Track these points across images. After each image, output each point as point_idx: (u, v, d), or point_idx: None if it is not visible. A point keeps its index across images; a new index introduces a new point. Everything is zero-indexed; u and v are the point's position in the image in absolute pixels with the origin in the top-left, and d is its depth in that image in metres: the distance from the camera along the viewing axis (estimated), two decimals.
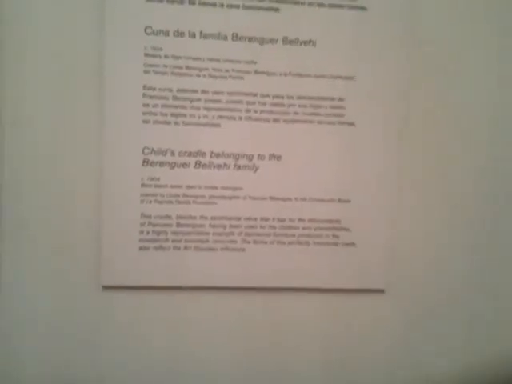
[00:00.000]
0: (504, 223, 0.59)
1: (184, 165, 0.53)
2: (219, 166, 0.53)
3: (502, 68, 0.57)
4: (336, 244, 0.56)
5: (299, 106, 0.53)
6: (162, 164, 0.52)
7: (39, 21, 0.49)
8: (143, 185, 0.52)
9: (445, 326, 0.60)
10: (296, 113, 0.53)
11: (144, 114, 0.51)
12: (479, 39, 0.56)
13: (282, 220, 0.55)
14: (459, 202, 0.58)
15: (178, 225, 0.53)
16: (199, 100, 0.52)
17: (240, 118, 0.52)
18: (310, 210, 0.55)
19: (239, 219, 0.54)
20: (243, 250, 0.55)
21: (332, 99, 0.53)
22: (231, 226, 0.54)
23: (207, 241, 0.54)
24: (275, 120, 0.53)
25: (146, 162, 0.52)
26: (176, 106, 0.51)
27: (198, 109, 0.52)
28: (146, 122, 0.51)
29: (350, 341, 0.58)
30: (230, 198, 0.54)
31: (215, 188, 0.53)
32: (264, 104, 0.52)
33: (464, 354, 0.61)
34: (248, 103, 0.52)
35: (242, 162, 0.53)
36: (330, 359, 0.59)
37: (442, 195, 0.57)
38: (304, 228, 0.55)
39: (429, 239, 0.58)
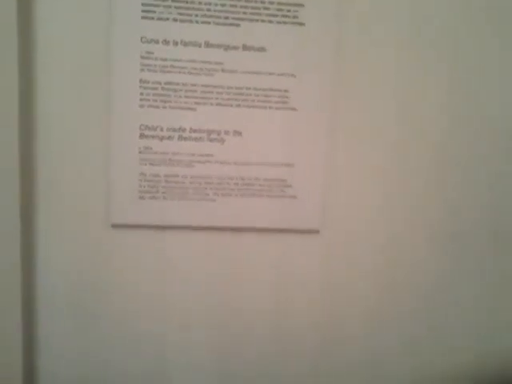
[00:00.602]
0: (432, 170, 0.79)
1: (170, 137, 0.72)
2: (196, 139, 0.73)
3: (413, 72, 0.76)
4: (283, 197, 0.76)
5: (255, 95, 0.72)
6: (153, 137, 0.72)
7: (65, 31, 0.68)
8: (140, 152, 0.72)
9: (366, 258, 0.81)
10: (253, 100, 0.72)
11: (141, 100, 0.70)
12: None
13: (243, 179, 0.75)
14: (383, 162, 0.78)
15: (166, 181, 0.73)
16: (181, 90, 0.71)
17: (211, 104, 0.72)
18: (264, 172, 0.75)
19: (211, 178, 0.74)
20: (214, 200, 0.75)
21: (279, 91, 0.73)
22: (205, 183, 0.74)
23: (187, 193, 0.74)
24: (237, 105, 0.72)
25: (142, 136, 0.72)
26: (164, 95, 0.71)
27: (180, 97, 0.71)
28: (141, 106, 0.71)
29: (292, 268, 0.79)
30: (204, 162, 0.73)
31: (193, 155, 0.73)
32: (229, 94, 0.72)
33: (394, 287, 0.82)
34: (217, 93, 0.71)
35: (213, 136, 0.73)
36: (280, 281, 0.80)
37: (368, 158, 0.77)
38: (259, 185, 0.75)
39: (355, 190, 0.78)
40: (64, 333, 0.75)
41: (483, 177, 0.80)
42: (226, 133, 0.73)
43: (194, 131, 0.72)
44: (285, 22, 0.70)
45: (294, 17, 0.70)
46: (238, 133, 0.73)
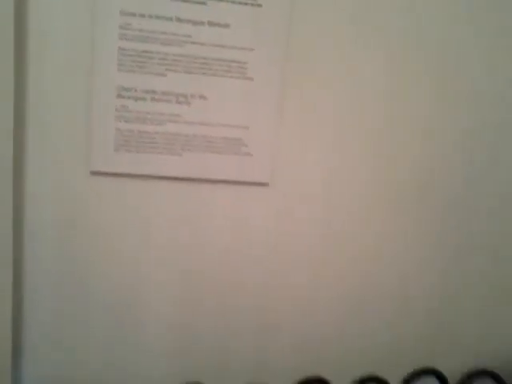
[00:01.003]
0: (373, 129, 0.93)
1: (143, 98, 0.84)
2: (166, 101, 0.85)
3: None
4: (239, 154, 0.89)
5: (218, 65, 0.84)
6: (129, 97, 0.83)
7: (55, 8, 0.78)
8: (117, 110, 0.84)
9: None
10: (216, 70, 0.84)
11: (118, 65, 0.81)
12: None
13: (205, 137, 0.88)
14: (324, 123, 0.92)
15: (139, 136, 0.85)
16: (154, 58, 0.82)
17: (180, 71, 0.83)
18: (223, 132, 0.88)
19: (178, 135, 0.86)
20: (180, 155, 0.88)
21: (239, 62, 0.85)
22: (173, 140, 0.87)
23: (157, 148, 0.86)
24: (203, 74, 0.84)
25: (119, 96, 0.83)
26: (139, 61, 0.82)
27: (153, 64, 0.82)
28: (119, 70, 0.82)
29: (246, 214, 0.93)
30: (173, 121, 0.86)
31: (163, 114, 0.85)
32: (196, 63, 0.83)
33: (336, 236, 0.97)
34: (186, 62, 0.83)
35: (181, 99, 0.85)
36: (235, 226, 0.94)
37: (313, 123, 0.91)
38: (219, 143, 0.88)
39: (301, 150, 0.92)
40: (49, 257, 0.87)
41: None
42: (192, 97, 0.85)
43: (165, 94, 0.84)
44: (246, 3, 0.82)
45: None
46: (203, 97, 0.85)
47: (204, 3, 0.81)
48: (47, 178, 0.84)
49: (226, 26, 0.83)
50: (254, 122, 0.88)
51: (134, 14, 0.79)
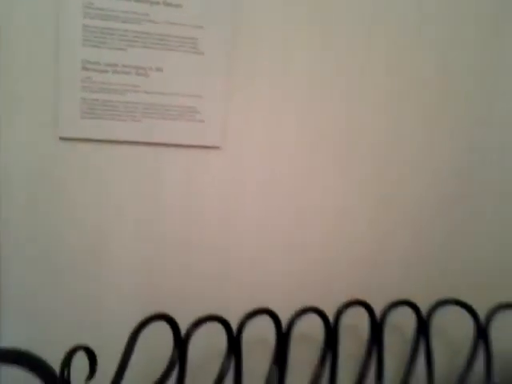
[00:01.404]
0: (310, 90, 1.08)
1: (106, 71, 0.94)
2: (126, 73, 0.95)
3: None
4: (193, 120, 1.02)
5: (173, 41, 0.96)
6: (93, 70, 0.94)
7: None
8: (82, 81, 0.94)
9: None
10: (171, 45, 0.96)
11: (83, 41, 0.92)
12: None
13: (164, 105, 0.99)
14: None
15: (103, 105, 0.96)
16: (115, 35, 0.93)
17: (139, 47, 0.95)
18: (179, 100, 1.00)
19: (138, 103, 0.98)
20: (140, 121, 0.99)
21: (191, 38, 0.97)
22: (133, 108, 0.98)
23: (120, 115, 0.97)
24: (159, 49, 0.96)
25: (84, 68, 0.93)
26: (102, 37, 0.92)
27: (114, 40, 0.93)
28: (84, 45, 0.92)
29: (200, 174, 1.06)
30: (133, 91, 0.97)
31: (124, 85, 0.96)
32: (152, 39, 0.95)
33: (278, 196, 1.11)
34: (143, 38, 0.94)
35: (140, 71, 0.96)
36: (190, 184, 1.06)
37: (259, 92, 1.04)
38: (175, 111, 1.00)
39: (248, 117, 1.05)
40: (22, 209, 0.96)
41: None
42: (150, 69, 0.96)
43: (125, 67, 0.95)
44: None
45: None
46: (159, 69, 0.97)
47: None
48: (20, 142, 0.93)
49: (179, 5, 0.94)
50: (206, 92, 1.00)
51: None
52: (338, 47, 1.07)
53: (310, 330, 1.05)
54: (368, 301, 1.06)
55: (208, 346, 1.02)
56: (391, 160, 1.15)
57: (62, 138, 0.95)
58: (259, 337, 1.04)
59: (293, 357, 1.03)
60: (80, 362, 0.78)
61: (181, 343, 0.85)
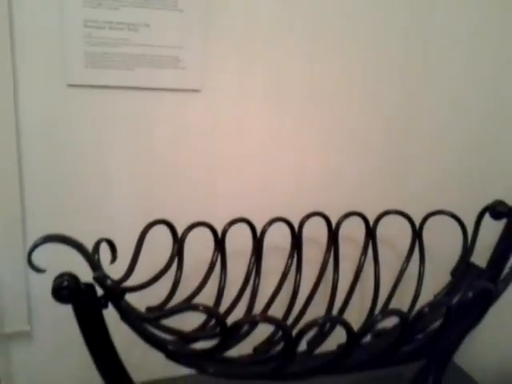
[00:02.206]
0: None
1: (103, 27, 1.15)
2: (120, 29, 1.16)
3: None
4: (177, 68, 1.23)
5: (158, 2, 1.17)
6: (93, 27, 1.14)
7: None
8: (84, 36, 1.14)
9: None
10: (156, 5, 1.17)
11: (83, 2, 1.12)
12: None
13: (152, 55, 1.20)
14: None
15: (102, 57, 1.17)
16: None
17: (129, 6, 1.15)
18: (164, 51, 1.21)
19: (130, 54, 1.19)
20: (133, 69, 1.20)
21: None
22: (127, 58, 1.19)
23: (116, 65, 1.18)
24: (146, 7, 1.16)
25: (85, 26, 1.14)
26: (98, 4, 1.13)
27: (108, 1, 1.14)
28: (84, 6, 1.13)
29: (184, 115, 1.28)
30: (126, 44, 1.18)
31: (118, 39, 1.16)
32: (141, 0, 1.16)
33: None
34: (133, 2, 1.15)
35: (131, 27, 1.17)
36: (175, 126, 1.28)
37: (235, 35, 1.26)
38: (161, 60, 1.21)
39: (227, 61, 1.27)
40: (42, 148, 1.18)
41: None
42: (139, 25, 1.17)
43: (119, 24, 1.16)
44: None
45: None
46: (147, 25, 1.18)
47: None
48: (36, 91, 1.14)
49: None
50: (186, 43, 1.22)
51: None
52: None
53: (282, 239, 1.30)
54: (327, 213, 1.31)
55: (199, 250, 1.26)
56: (349, 103, 1.40)
57: (69, 85, 1.17)
58: (241, 242, 1.27)
59: (267, 261, 1.29)
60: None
61: (179, 242, 1.10)
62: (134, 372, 0.97)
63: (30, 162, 1.17)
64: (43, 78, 1.13)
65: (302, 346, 0.93)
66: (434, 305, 0.89)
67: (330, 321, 1.17)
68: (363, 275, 1.34)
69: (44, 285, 0.85)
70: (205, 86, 1.26)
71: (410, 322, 0.85)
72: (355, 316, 1.23)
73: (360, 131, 1.45)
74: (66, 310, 0.84)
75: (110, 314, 0.86)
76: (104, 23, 1.14)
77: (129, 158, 1.25)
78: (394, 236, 1.46)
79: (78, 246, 0.82)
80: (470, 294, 0.91)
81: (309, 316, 1.20)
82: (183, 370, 1.31)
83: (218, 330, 1.03)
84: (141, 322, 0.88)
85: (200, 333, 1.05)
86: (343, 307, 1.31)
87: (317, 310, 1.24)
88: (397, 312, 0.85)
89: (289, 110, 1.36)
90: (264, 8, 1.25)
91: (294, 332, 0.81)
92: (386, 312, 0.95)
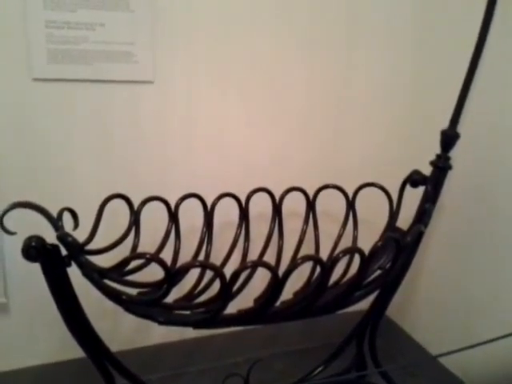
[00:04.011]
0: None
1: (62, 27, 1.31)
2: (78, 28, 1.31)
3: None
4: (131, 62, 1.39)
5: (111, 3, 1.33)
6: (53, 27, 1.29)
7: None
8: (46, 35, 1.29)
9: None
10: (110, 7, 1.33)
11: (44, 5, 1.27)
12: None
13: (108, 51, 1.35)
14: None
15: (63, 53, 1.32)
16: (66, 1, 1.29)
17: (85, 8, 1.31)
18: (118, 47, 1.37)
19: (88, 51, 1.34)
20: (91, 64, 1.36)
21: (124, 0, 1.34)
22: (85, 54, 1.34)
23: (76, 60, 1.34)
24: (101, 9, 1.32)
25: (46, 26, 1.29)
26: (57, 2, 1.28)
27: (66, 4, 1.29)
28: (45, 9, 1.28)
29: (139, 105, 1.44)
30: (84, 42, 1.33)
31: (77, 37, 1.32)
32: (96, 2, 1.31)
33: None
34: (88, 1, 1.31)
35: (88, 26, 1.32)
36: (133, 115, 1.44)
37: (182, 32, 1.42)
38: (116, 55, 1.37)
39: (176, 53, 1.44)
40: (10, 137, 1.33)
41: None
42: (95, 24, 1.33)
43: (77, 24, 1.31)
44: None
45: None
46: (102, 25, 1.34)
47: None
48: (3, 85, 1.29)
49: None
50: (138, 40, 1.38)
51: None
52: None
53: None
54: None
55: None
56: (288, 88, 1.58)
57: (34, 79, 1.32)
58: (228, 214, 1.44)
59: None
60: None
61: (135, 214, 1.26)
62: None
63: (1, 147, 1.32)
64: (11, 73, 1.28)
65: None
66: (384, 241, 1.07)
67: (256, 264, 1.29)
68: (308, 242, 1.51)
69: (18, 260, 0.99)
70: (157, 78, 1.42)
71: (367, 257, 1.01)
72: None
73: (302, 111, 1.63)
74: (41, 283, 0.99)
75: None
76: (63, 23, 1.30)
77: (90, 142, 1.41)
78: (330, 205, 1.64)
79: (42, 210, 0.98)
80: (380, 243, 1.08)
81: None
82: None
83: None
84: (99, 276, 1.04)
85: (146, 282, 1.20)
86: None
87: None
88: (356, 249, 1.00)
89: (234, 94, 1.53)
90: (205, 4, 1.42)
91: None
92: (345, 250, 1.03)
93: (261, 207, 1.48)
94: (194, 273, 1.27)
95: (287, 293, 1.15)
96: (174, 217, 1.34)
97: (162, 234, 1.31)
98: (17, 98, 1.30)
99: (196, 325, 1.11)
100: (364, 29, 1.62)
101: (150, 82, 1.42)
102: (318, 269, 1.02)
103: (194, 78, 1.46)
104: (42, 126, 1.34)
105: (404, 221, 1.40)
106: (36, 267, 0.98)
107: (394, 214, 1.45)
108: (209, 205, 1.39)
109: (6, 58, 1.26)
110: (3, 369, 1.51)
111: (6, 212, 0.94)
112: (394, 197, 1.41)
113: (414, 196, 1.39)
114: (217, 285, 0.99)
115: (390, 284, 1.44)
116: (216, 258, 1.37)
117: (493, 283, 1.52)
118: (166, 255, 1.18)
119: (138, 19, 1.35)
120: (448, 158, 1.32)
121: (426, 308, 1.82)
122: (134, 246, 1.25)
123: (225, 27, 1.45)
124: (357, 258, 1.04)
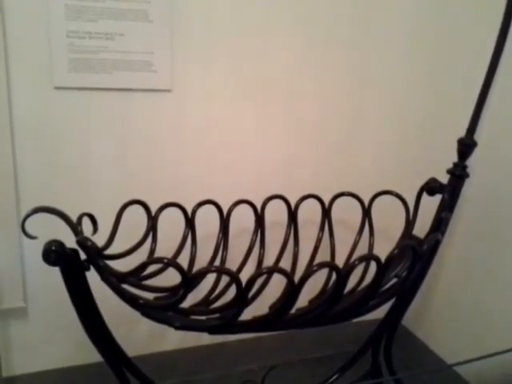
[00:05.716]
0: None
1: (84, 37, 1.34)
2: (98, 38, 1.34)
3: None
4: (149, 71, 1.41)
5: (131, 14, 1.35)
6: (74, 37, 1.32)
7: None
8: (67, 45, 1.33)
9: None
10: (129, 17, 1.35)
11: (66, 16, 1.31)
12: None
13: (127, 60, 1.38)
14: None
15: (83, 62, 1.35)
16: (87, 11, 1.32)
17: (106, 19, 1.34)
18: (137, 56, 1.39)
19: (108, 60, 1.37)
20: (111, 73, 1.39)
21: (142, 10, 1.37)
22: (105, 63, 1.37)
23: (95, 69, 1.37)
24: (121, 20, 1.35)
25: (68, 36, 1.32)
26: (78, 13, 1.31)
27: (88, 14, 1.32)
28: (67, 20, 1.31)
29: (158, 112, 1.46)
30: (104, 51, 1.36)
31: (98, 47, 1.35)
32: (116, 13, 1.34)
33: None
34: (108, 12, 1.34)
35: (108, 36, 1.35)
36: (151, 122, 1.47)
37: (200, 42, 1.44)
38: (135, 64, 1.40)
39: (194, 67, 1.46)
40: (32, 142, 1.36)
41: None
42: (115, 34, 1.36)
43: (97, 34, 1.34)
44: None
45: None
46: (121, 35, 1.36)
47: None
48: (27, 93, 1.32)
49: None
50: (156, 49, 1.40)
51: None
52: None
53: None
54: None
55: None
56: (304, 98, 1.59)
57: (55, 88, 1.35)
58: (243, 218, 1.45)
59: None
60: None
61: (152, 219, 1.27)
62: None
63: (23, 153, 1.35)
64: (33, 82, 1.31)
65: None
66: (401, 248, 1.06)
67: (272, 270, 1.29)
68: (323, 249, 1.51)
69: (37, 265, 1.01)
70: (175, 87, 1.44)
71: (384, 265, 1.00)
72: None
73: (315, 121, 1.64)
74: (59, 289, 1.01)
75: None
76: (84, 33, 1.32)
77: (109, 149, 1.43)
78: (347, 212, 1.64)
79: (63, 215, 1.00)
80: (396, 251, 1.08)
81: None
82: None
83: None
84: (117, 281, 1.05)
85: (163, 286, 1.22)
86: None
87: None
88: (372, 256, 1.00)
89: (249, 106, 1.54)
90: (221, 16, 1.44)
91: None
92: (361, 257, 1.03)
93: (276, 214, 1.48)
94: (210, 279, 1.28)
95: (302, 300, 1.15)
96: (190, 223, 1.35)
97: (178, 240, 1.32)
98: (38, 105, 1.33)
99: (212, 330, 1.11)
100: (377, 41, 1.63)
101: (167, 90, 1.44)
102: (334, 276, 1.02)
103: (210, 88, 1.48)
104: (61, 133, 1.37)
105: (420, 230, 1.40)
106: (54, 273, 0.99)
107: (410, 222, 1.45)
108: (225, 212, 1.40)
109: (30, 66, 1.30)
110: (22, 372, 1.53)
111: (27, 216, 0.96)
112: (410, 205, 1.40)
113: (429, 204, 1.38)
114: (232, 291, 1.00)
115: (406, 292, 1.44)
116: (231, 265, 1.37)
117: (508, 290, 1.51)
118: (182, 261, 1.18)
119: (157, 29, 1.38)
120: (465, 167, 1.32)
121: (441, 317, 1.80)
122: (151, 251, 1.27)
123: (241, 39, 1.48)
124: (373, 266, 1.04)
